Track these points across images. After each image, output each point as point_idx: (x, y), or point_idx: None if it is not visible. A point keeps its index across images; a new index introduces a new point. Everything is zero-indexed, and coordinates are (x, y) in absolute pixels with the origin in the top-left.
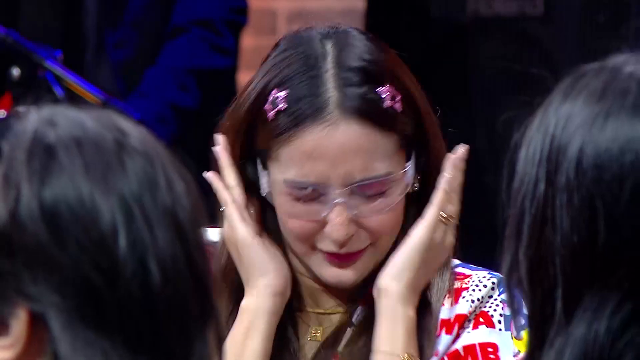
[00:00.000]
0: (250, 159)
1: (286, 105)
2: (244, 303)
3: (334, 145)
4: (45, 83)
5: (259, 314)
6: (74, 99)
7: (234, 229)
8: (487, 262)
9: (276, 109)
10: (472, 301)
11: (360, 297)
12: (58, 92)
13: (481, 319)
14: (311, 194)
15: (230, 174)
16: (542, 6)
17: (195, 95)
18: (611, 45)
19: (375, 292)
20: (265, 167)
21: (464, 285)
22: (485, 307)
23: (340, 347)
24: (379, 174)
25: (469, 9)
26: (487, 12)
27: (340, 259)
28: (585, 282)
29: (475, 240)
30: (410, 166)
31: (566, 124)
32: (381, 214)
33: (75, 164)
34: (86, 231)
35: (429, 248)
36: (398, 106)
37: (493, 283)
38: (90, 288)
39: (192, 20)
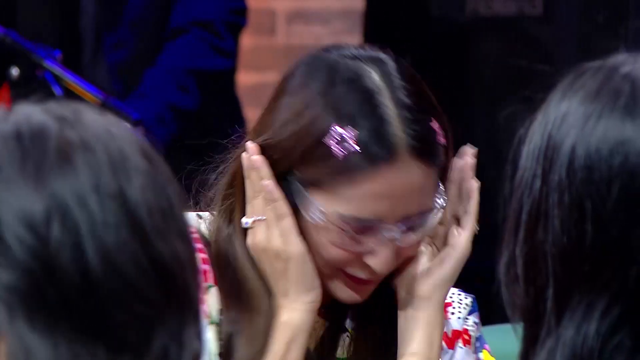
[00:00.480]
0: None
1: (358, 147)
2: (285, 318)
3: (402, 186)
4: (44, 83)
5: (302, 330)
6: (73, 98)
7: (289, 242)
8: (487, 260)
9: (346, 149)
10: (460, 318)
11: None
12: (57, 91)
13: (465, 336)
14: (363, 228)
15: (274, 187)
16: (541, 6)
17: (195, 96)
18: (610, 45)
19: (405, 295)
20: (306, 191)
21: (448, 300)
22: (466, 325)
23: (343, 354)
24: (428, 209)
25: (468, 8)
26: (486, 12)
27: (363, 283)
28: (574, 283)
29: (476, 237)
30: (442, 193)
31: (562, 122)
32: (418, 244)
33: (12, 157)
34: (22, 224)
35: (466, 258)
36: (444, 140)
37: (466, 305)
38: (32, 280)
39: (191, 21)
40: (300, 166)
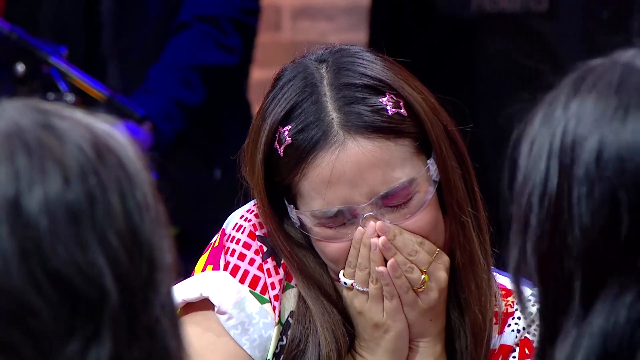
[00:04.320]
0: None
1: (291, 140)
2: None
3: (347, 166)
4: (50, 79)
5: None
6: (78, 94)
7: (396, 320)
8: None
9: (283, 146)
10: (518, 331)
11: None
12: (62, 87)
13: (527, 350)
14: (341, 218)
15: (386, 272)
16: (546, 2)
17: (199, 92)
18: (615, 41)
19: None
20: (290, 202)
21: (510, 310)
22: (529, 334)
23: None
24: (402, 182)
25: (474, 4)
26: (491, 8)
27: None
28: (605, 273)
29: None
30: (430, 163)
31: (580, 118)
32: (417, 215)
33: None
34: None
35: None
36: (403, 111)
37: (531, 312)
38: None
39: (196, 16)
40: (275, 179)
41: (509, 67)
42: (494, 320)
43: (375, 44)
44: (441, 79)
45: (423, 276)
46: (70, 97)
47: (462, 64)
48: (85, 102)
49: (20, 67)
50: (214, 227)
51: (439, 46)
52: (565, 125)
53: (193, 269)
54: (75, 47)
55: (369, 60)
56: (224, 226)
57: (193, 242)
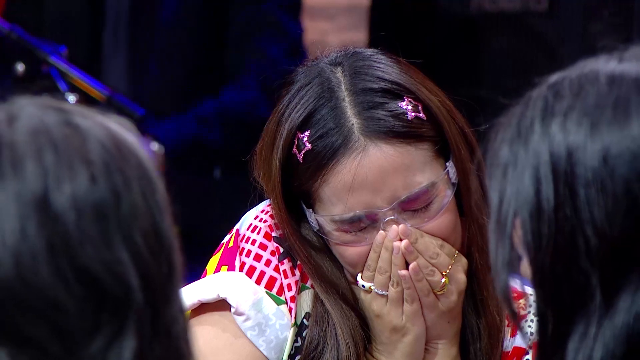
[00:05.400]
0: (294, 197)
1: (310, 146)
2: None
3: (370, 171)
4: (50, 78)
5: None
6: (78, 94)
7: (415, 323)
8: None
9: (303, 152)
10: (531, 333)
11: None
12: (62, 87)
13: None
14: (360, 223)
15: (408, 275)
16: (546, 2)
17: (223, 138)
18: (615, 41)
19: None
20: (309, 206)
21: (522, 312)
22: None
23: None
24: (423, 186)
25: (474, 4)
26: (491, 8)
27: None
28: (625, 268)
29: None
30: (449, 166)
31: (569, 130)
32: (437, 218)
33: None
34: None
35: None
36: (422, 115)
37: None
38: None
39: (260, 85)
40: (293, 183)
41: (509, 66)
42: (506, 323)
43: (375, 44)
44: (441, 79)
45: (444, 279)
46: (72, 97)
47: (461, 64)
48: (85, 101)
49: (20, 67)
50: (213, 227)
51: (439, 46)
52: (551, 139)
53: (193, 269)
54: (79, 46)
55: (384, 64)
56: (237, 227)
57: (193, 242)
